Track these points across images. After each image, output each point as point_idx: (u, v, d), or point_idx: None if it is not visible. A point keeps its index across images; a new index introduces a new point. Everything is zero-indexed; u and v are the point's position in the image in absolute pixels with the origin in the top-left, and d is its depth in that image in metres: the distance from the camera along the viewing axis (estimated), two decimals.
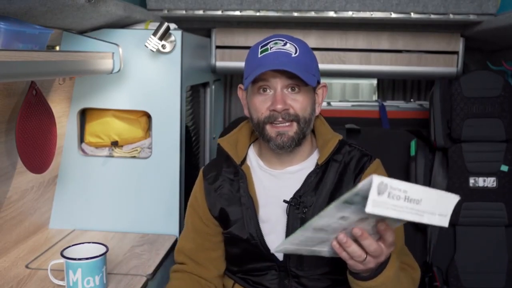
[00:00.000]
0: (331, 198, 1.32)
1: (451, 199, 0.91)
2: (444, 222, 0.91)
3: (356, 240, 1.02)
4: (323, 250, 1.09)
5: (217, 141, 1.47)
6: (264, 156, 1.40)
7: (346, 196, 0.89)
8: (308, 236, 1.03)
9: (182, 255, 1.46)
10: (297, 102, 1.28)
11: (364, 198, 0.86)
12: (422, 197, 0.88)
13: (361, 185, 0.86)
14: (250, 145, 1.45)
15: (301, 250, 1.10)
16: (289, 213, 1.31)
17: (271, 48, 1.28)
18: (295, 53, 1.28)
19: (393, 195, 0.85)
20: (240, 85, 1.39)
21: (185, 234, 1.49)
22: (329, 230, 1.01)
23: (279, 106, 1.25)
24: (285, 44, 1.29)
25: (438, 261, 2.07)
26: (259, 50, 1.29)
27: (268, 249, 1.33)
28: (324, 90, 1.39)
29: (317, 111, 1.37)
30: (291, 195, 1.32)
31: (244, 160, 1.40)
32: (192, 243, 1.45)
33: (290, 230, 1.31)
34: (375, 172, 1.34)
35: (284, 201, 1.31)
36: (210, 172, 1.44)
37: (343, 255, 1.04)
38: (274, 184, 1.37)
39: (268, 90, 1.29)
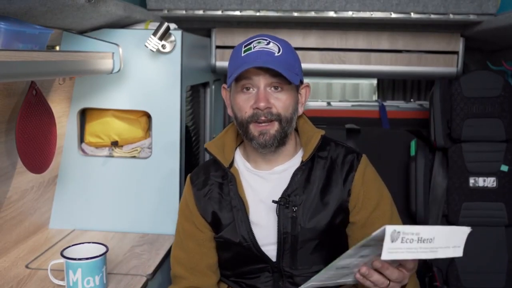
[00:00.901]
0: (322, 195, 1.33)
1: (463, 231, 0.96)
2: (459, 252, 0.97)
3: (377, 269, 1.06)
4: (348, 280, 1.13)
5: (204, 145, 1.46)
6: (250, 158, 1.39)
7: (362, 242, 0.95)
8: (332, 273, 1.08)
9: (180, 267, 1.42)
10: (280, 101, 1.28)
11: (379, 241, 0.90)
12: (434, 235, 0.93)
13: (374, 234, 0.92)
14: (236, 148, 1.44)
15: (326, 284, 1.15)
16: (279, 213, 1.31)
17: (254, 47, 1.28)
18: (278, 52, 1.27)
19: (406, 239, 0.91)
20: (224, 85, 1.39)
21: (178, 243, 1.44)
22: (351, 267, 1.06)
23: (262, 104, 1.25)
24: (268, 43, 1.29)
25: (438, 261, 2.07)
26: (242, 49, 1.29)
27: (261, 251, 1.33)
28: (307, 90, 1.38)
29: (300, 111, 1.37)
30: (279, 195, 1.32)
31: (232, 163, 1.39)
32: (188, 252, 1.41)
33: (281, 230, 1.31)
34: (365, 170, 1.36)
35: (273, 201, 1.31)
36: (198, 178, 1.43)
37: (367, 283, 1.08)
38: (262, 185, 1.37)
39: (251, 89, 1.28)
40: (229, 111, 1.38)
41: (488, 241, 2.05)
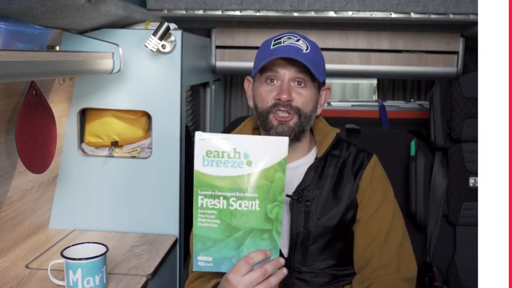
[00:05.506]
0: (334, 192, 1.36)
1: None
2: None
3: None
4: None
5: None
6: None
7: None
8: None
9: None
10: (301, 96, 1.31)
11: None
12: None
13: None
14: None
15: None
16: (292, 207, 1.33)
17: (283, 41, 1.32)
18: (306, 49, 1.31)
19: None
20: (248, 77, 1.43)
21: None
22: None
23: (284, 96, 1.28)
24: (297, 40, 1.33)
25: (438, 261, 2.07)
26: (272, 43, 1.34)
27: None
28: (328, 93, 1.42)
29: (318, 111, 1.40)
30: (293, 190, 1.34)
31: None
32: None
33: (294, 224, 1.33)
34: (374, 169, 1.40)
35: (287, 195, 1.32)
36: None
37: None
38: None
39: (275, 81, 1.32)
40: (250, 103, 1.41)
41: None
